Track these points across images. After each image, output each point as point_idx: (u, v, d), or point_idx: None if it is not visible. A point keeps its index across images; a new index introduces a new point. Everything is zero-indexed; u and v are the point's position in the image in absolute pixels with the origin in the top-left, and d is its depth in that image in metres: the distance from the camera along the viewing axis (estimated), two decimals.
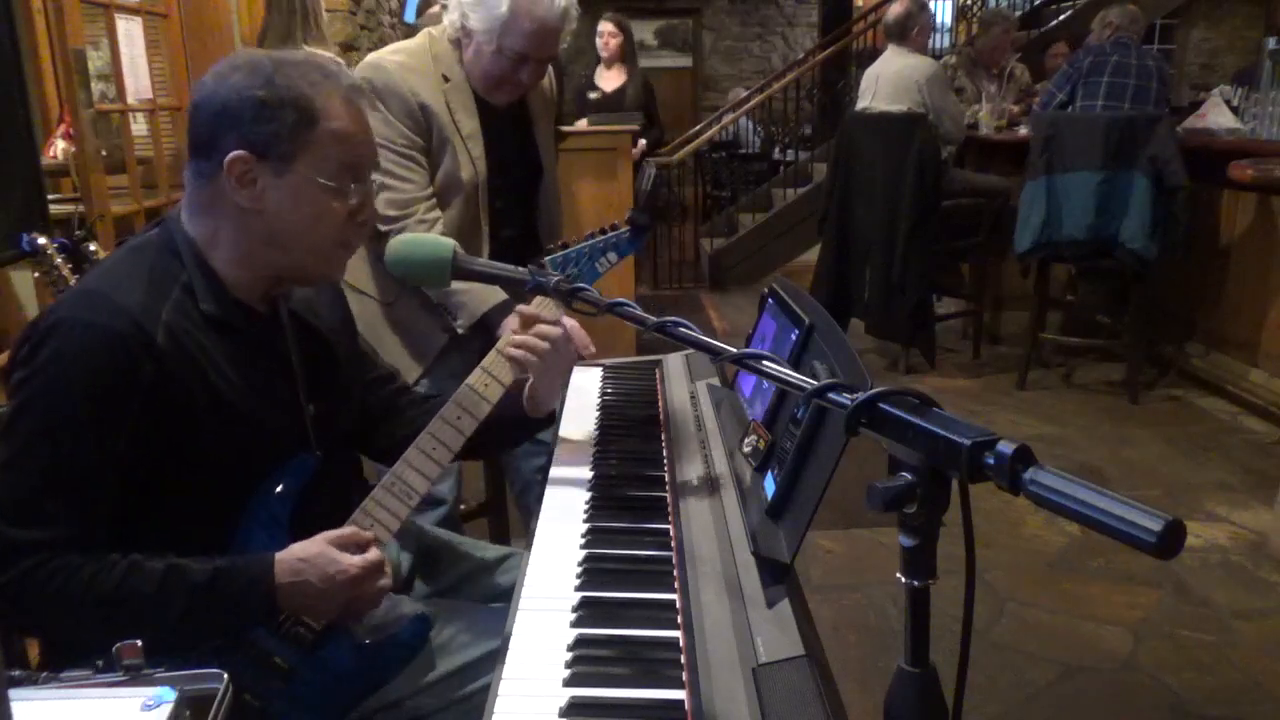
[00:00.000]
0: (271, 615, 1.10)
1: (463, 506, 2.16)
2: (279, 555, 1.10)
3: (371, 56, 1.96)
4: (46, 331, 1.06)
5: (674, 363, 1.78)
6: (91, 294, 1.10)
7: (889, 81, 4.45)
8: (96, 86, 3.19)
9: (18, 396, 1.06)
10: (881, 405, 0.68)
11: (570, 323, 1.36)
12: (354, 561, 1.11)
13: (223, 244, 1.15)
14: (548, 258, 1.39)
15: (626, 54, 5.28)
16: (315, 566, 1.09)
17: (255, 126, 1.09)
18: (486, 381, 1.27)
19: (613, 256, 1.44)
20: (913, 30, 4.55)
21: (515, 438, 1.49)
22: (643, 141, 4.96)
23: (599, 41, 5.29)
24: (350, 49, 5.01)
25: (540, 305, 1.32)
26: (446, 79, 1.91)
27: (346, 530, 1.14)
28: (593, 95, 5.21)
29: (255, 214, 1.13)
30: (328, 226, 1.15)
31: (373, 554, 1.13)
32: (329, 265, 1.21)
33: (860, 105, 4.60)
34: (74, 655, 1.03)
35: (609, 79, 5.27)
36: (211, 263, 1.15)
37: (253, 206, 1.12)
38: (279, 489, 1.17)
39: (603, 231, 1.44)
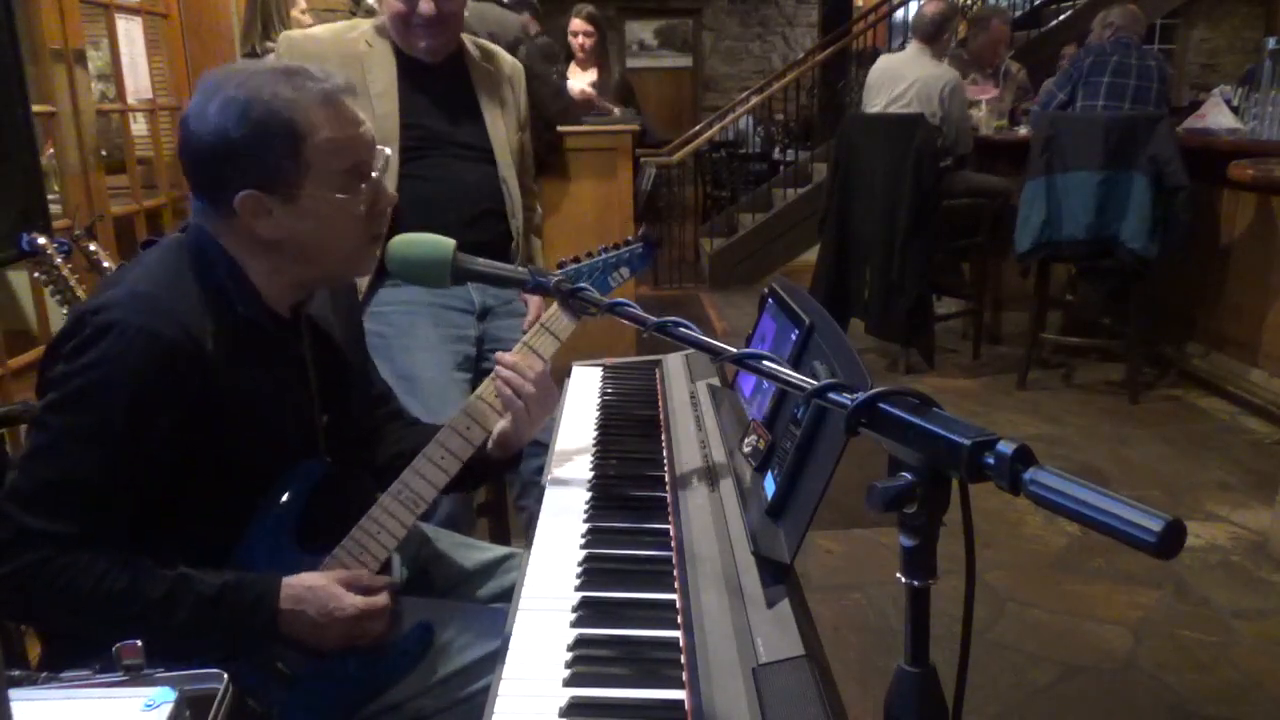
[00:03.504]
0: (270, 637, 1.10)
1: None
2: (286, 580, 1.11)
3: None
4: (99, 330, 1.04)
5: (674, 363, 1.78)
6: (145, 297, 1.08)
7: (914, 87, 4.42)
8: (97, 86, 3.19)
9: (58, 389, 1.05)
10: (881, 405, 0.68)
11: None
12: (355, 602, 1.11)
13: (251, 264, 1.16)
14: (560, 271, 1.38)
15: (601, 52, 5.01)
16: (317, 599, 1.10)
17: (251, 165, 1.09)
18: (496, 393, 1.27)
19: (625, 271, 1.44)
20: (945, 34, 4.52)
21: (481, 476, 1.44)
22: None
23: (572, 41, 4.95)
24: None
25: (535, 337, 1.31)
26: (369, 45, 1.96)
27: (361, 573, 1.15)
28: None
29: (280, 240, 1.13)
30: (351, 232, 1.16)
31: (378, 599, 1.13)
32: (362, 262, 1.22)
33: (875, 107, 4.56)
34: (74, 655, 1.04)
35: (584, 78, 4.98)
36: (245, 271, 1.16)
37: (274, 236, 1.13)
38: (286, 495, 1.17)
39: (615, 247, 1.43)
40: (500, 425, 1.29)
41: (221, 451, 1.12)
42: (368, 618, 1.12)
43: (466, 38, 2.10)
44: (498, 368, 1.28)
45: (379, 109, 1.91)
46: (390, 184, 1.88)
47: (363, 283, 1.94)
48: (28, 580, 1.02)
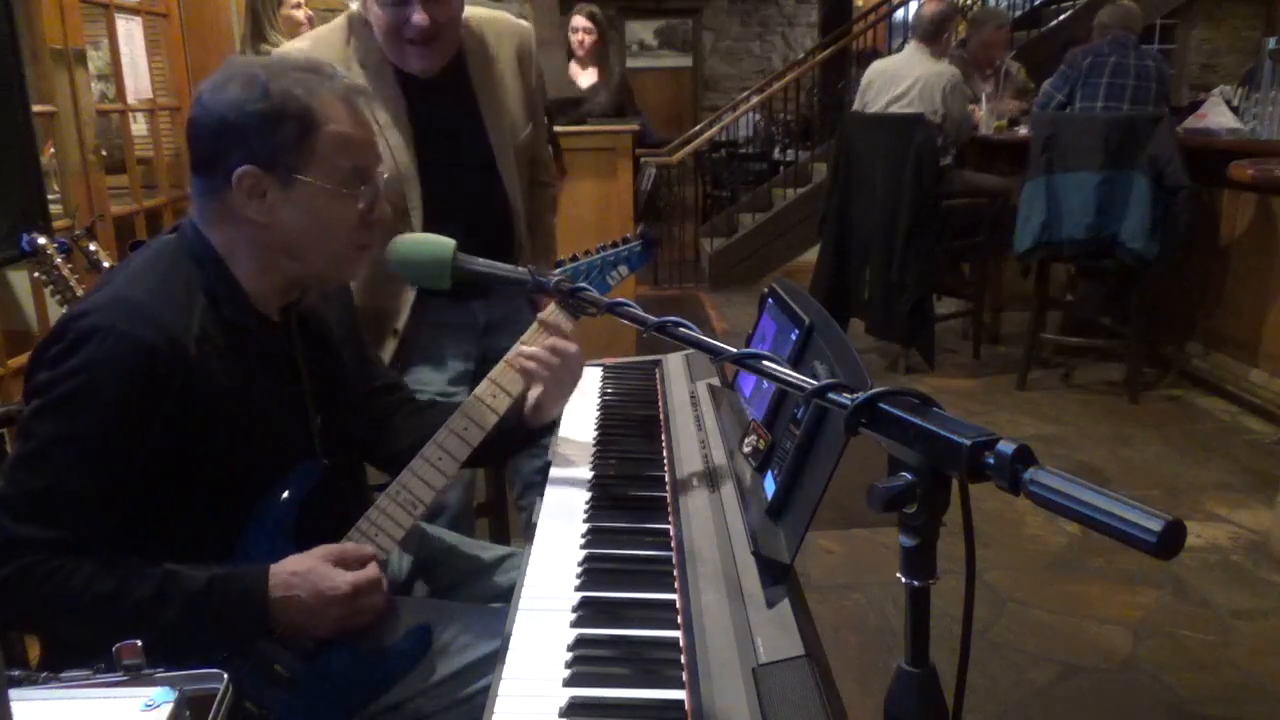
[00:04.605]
0: (263, 627, 1.10)
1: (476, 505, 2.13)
2: (273, 568, 1.10)
3: (279, 48, 1.88)
4: (81, 336, 1.04)
5: (674, 363, 1.78)
6: (127, 301, 1.08)
7: (916, 85, 4.41)
8: (97, 86, 3.19)
9: (43, 397, 1.05)
10: (881, 405, 0.68)
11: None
12: (347, 578, 1.10)
13: (241, 256, 1.15)
14: (559, 270, 1.38)
15: (601, 52, 4.95)
16: (307, 581, 1.09)
17: (258, 140, 1.09)
18: (495, 393, 1.27)
19: (624, 270, 1.43)
20: (944, 34, 4.51)
21: (514, 447, 1.46)
22: None
23: (573, 38, 4.90)
24: None
25: (552, 313, 1.31)
26: (364, 66, 1.80)
27: (346, 546, 1.15)
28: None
29: (268, 226, 1.13)
30: (341, 231, 1.16)
31: (368, 571, 1.13)
32: (347, 268, 1.22)
33: (875, 107, 4.56)
34: (73, 655, 1.04)
35: (584, 77, 4.96)
36: (233, 271, 1.15)
37: (264, 219, 1.12)
38: (283, 497, 1.17)
39: (614, 245, 1.42)
40: (533, 394, 1.32)
41: (214, 455, 1.12)
42: (362, 593, 1.11)
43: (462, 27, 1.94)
44: (518, 354, 1.29)
45: (392, 140, 1.80)
46: (416, 217, 1.81)
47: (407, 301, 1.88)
48: (17, 586, 1.02)
